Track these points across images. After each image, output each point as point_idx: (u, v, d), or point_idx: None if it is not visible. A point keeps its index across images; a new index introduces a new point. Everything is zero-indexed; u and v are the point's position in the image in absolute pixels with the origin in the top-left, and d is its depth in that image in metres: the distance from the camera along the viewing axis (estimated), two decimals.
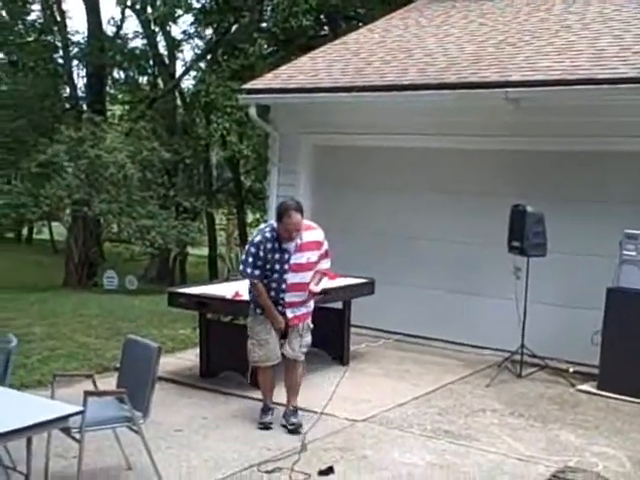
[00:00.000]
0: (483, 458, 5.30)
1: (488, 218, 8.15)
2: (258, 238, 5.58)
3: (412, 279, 8.70)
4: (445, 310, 8.50)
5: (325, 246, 5.80)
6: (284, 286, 5.57)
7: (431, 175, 8.73)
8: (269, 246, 5.51)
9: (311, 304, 5.81)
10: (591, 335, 6.97)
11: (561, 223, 7.55)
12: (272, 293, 5.60)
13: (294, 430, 5.61)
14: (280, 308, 5.62)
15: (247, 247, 5.65)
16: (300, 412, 5.87)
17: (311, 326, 5.84)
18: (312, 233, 5.69)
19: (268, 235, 5.55)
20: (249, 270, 5.56)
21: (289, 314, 5.64)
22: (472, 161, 8.42)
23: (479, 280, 8.31)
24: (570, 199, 7.82)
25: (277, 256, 5.53)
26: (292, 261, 5.55)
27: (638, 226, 6.94)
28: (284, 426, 5.71)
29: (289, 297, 5.61)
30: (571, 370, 7.47)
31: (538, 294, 7.42)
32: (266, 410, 5.85)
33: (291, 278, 5.56)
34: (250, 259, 5.55)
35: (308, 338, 5.83)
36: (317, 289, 5.77)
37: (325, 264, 5.84)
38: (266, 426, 5.73)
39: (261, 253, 5.51)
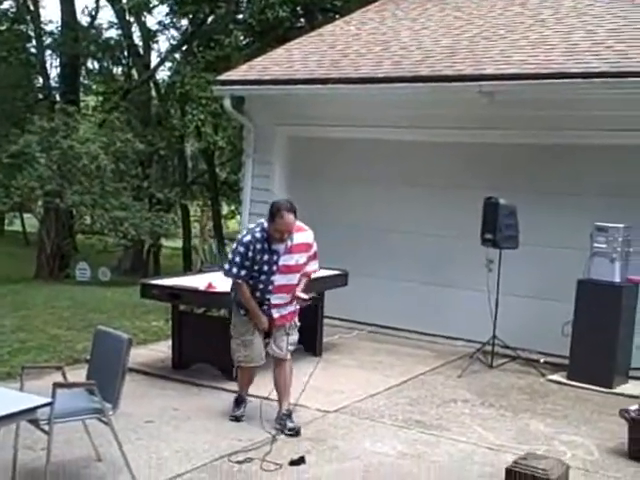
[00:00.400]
0: (454, 448, 5.34)
1: (461, 211, 8.19)
2: (248, 238, 5.38)
3: (385, 271, 8.73)
4: (418, 302, 8.54)
5: (314, 248, 5.65)
6: (271, 287, 5.44)
7: (405, 168, 8.75)
8: (258, 246, 5.35)
9: (297, 304, 5.68)
10: (562, 326, 7.04)
11: (534, 216, 7.61)
12: (257, 294, 5.46)
13: (294, 435, 5.43)
14: (265, 308, 5.49)
15: (235, 246, 5.44)
16: (274, 403, 5.77)
17: (298, 324, 5.74)
18: (303, 235, 5.53)
19: (258, 235, 5.37)
20: (235, 270, 5.37)
21: (275, 314, 5.51)
22: (446, 154, 8.45)
23: (452, 272, 8.35)
24: (543, 192, 7.88)
25: (266, 257, 5.37)
26: (281, 262, 5.41)
27: (609, 219, 7.01)
28: (280, 430, 5.44)
29: (275, 299, 5.48)
30: (542, 361, 7.54)
31: (510, 286, 7.47)
32: (239, 402, 5.81)
33: (278, 279, 5.43)
34: (237, 259, 5.37)
35: (295, 336, 5.72)
36: (307, 297, 5.66)
37: (313, 265, 5.70)
38: (237, 418, 5.69)
39: (250, 253, 5.33)
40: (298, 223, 5.50)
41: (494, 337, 7.36)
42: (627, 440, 5.31)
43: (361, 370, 7.26)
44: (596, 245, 7.02)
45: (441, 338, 8.33)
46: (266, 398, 5.81)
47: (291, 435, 5.41)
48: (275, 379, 5.69)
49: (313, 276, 7.33)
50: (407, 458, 5.12)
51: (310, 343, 7.62)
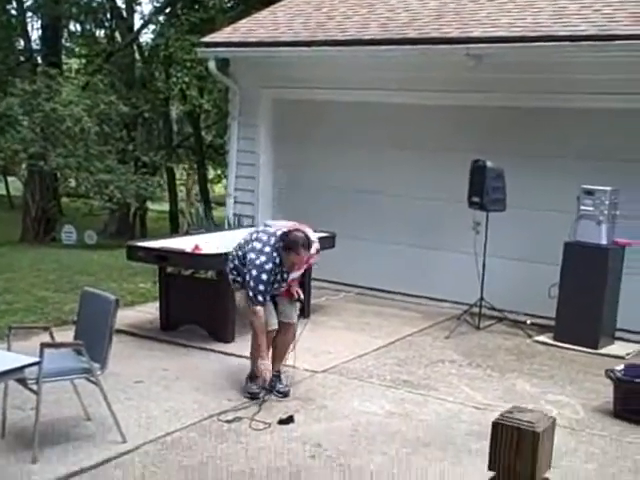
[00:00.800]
0: (441, 407, 5.39)
1: (448, 173, 8.18)
2: (270, 266, 5.21)
3: (373, 233, 8.73)
4: (406, 264, 8.57)
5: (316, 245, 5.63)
6: (277, 293, 5.48)
7: (392, 130, 8.71)
8: (277, 270, 5.30)
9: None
10: (548, 288, 7.08)
11: (520, 178, 7.61)
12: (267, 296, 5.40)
13: (282, 396, 5.45)
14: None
15: (256, 274, 5.17)
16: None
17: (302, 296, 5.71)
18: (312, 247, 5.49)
19: (277, 261, 5.25)
20: (261, 298, 5.19)
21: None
22: (433, 117, 8.41)
23: (439, 235, 8.37)
24: (530, 155, 7.87)
25: (278, 277, 5.34)
26: (290, 278, 5.45)
27: (595, 182, 7.02)
28: (268, 391, 5.39)
29: (279, 299, 5.53)
30: (528, 322, 7.61)
31: (497, 248, 7.50)
32: (254, 378, 5.49)
33: (284, 287, 5.48)
34: (261, 287, 5.18)
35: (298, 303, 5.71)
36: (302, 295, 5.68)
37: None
38: (254, 396, 5.39)
39: (271, 279, 5.25)
40: (308, 230, 5.48)
41: (481, 299, 7.40)
42: (612, 399, 5.38)
43: (349, 331, 7.30)
44: (583, 208, 7.05)
45: (428, 300, 8.37)
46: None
47: (280, 396, 5.43)
48: (277, 342, 5.55)
49: None
50: (395, 417, 5.17)
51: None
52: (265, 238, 5.31)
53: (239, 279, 5.47)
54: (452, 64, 7.90)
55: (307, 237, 5.29)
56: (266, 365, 5.20)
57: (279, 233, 5.31)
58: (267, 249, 5.24)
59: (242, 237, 5.61)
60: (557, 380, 6.08)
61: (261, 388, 5.42)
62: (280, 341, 5.57)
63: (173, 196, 21.20)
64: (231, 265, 5.52)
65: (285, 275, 5.39)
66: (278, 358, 5.62)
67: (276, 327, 5.45)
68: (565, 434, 4.86)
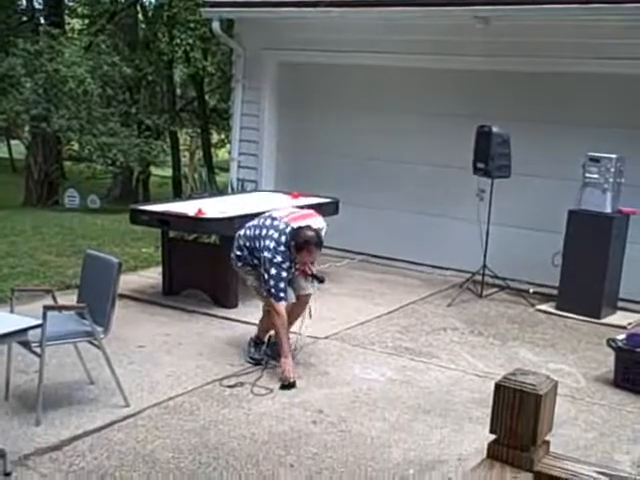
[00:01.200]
0: (442, 374, 5.41)
1: (453, 139, 8.11)
2: (287, 264, 5.19)
3: (377, 200, 8.69)
4: (409, 231, 8.54)
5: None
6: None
7: (397, 95, 8.62)
8: (292, 265, 5.28)
9: None
10: (552, 257, 7.06)
11: (526, 145, 7.53)
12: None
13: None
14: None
15: (275, 271, 5.12)
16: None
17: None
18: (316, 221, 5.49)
19: (292, 258, 5.23)
20: (283, 295, 5.17)
21: None
22: (439, 81, 8.33)
23: (443, 202, 8.33)
24: (536, 121, 7.79)
25: (292, 270, 5.31)
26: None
27: (601, 149, 6.96)
28: (271, 357, 5.41)
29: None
30: (531, 291, 7.60)
31: (501, 216, 7.46)
32: (261, 343, 5.53)
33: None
34: (282, 284, 5.16)
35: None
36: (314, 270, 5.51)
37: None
38: (258, 362, 5.39)
39: (289, 275, 5.26)
40: (308, 212, 5.56)
41: (484, 267, 7.38)
42: (613, 369, 5.39)
43: (351, 298, 7.30)
44: (588, 175, 6.99)
45: (431, 268, 8.36)
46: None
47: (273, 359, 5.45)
48: (291, 311, 5.44)
49: (304, 203, 7.37)
50: (396, 384, 5.18)
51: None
52: (276, 236, 5.22)
53: (249, 267, 5.40)
54: (459, 27, 7.79)
55: (317, 234, 5.24)
56: (289, 364, 5.11)
57: (289, 230, 5.23)
58: (282, 248, 5.17)
59: (247, 227, 5.46)
60: (559, 349, 6.09)
61: (264, 355, 5.44)
62: (292, 311, 5.46)
63: (176, 161, 21.11)
64: (238, 253, 5.42)
65: (297, 266, 5.34)
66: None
67: (293, 301, 5.43)
68: (566, 402, 4.87)
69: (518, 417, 1.83)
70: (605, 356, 5.68)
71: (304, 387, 5.03)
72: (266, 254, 5.17)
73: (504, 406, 1.85)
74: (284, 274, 5.16)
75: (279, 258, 5.15)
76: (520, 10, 7.32)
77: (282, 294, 5.15)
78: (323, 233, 5.44)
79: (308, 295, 5.53)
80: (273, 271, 5.13)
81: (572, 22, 7.23)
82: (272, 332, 5.47)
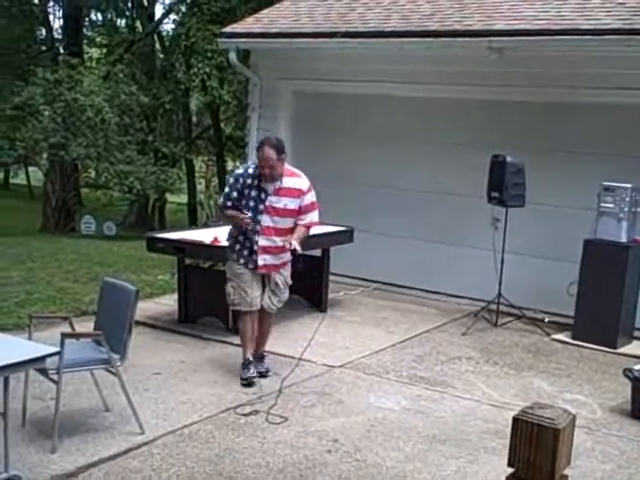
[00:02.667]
0: (457, 404, 5.39)
1: (468, 168, 8.13)
2: (239, 171, 5.64)
3: (391, 228, 8.71)
4: (424, 259, 8.55)
5: (310, 197, 5.62)
6: (258, 228, 5.47)
7: (412, 124, 8.67)
8: (249, 181, 5.47)
9: (286, 257, 5.63)
10: (567, 286, 7.04)
11: (540, 174, 7.56)
12: (247, 235, 5.53)
13: (262, 376, 5.66)
14: (253, 256, 5.53)
15: (227, 178, 5.69)
16: (280, 358, 6.00)
17: (289, 282, 5.75)
18: (294, 180, 5.54)
19: (250, 171, 5.50)
20: (222, 200, 5.66)
21: (260, 261, 5.53)
22: (453, 111, 8.37)
23: (458, 230, 8.34)
24: (550, 150, 7.82)
25: (254, 193, 5.46)
26: (268, 203, 5.45)
27: (616, 179, 6.97)
28: (262, 375, 5.68)
29: (262, 240, 5.49)
30: (546, 320, 7.57)
31: (516, 245, 7.47)
32: (247, 364, 5.67)
33: (265, 220, 5.47)
34: (227, 189, 5.62)
35: (285, 294, 5.76)
36: (297, 247, 5.46)
37: (312, 217, 5.66)
38: (249, 382, 5.53)
39: (238, 185, 5.48)
40: (292, 169, 5.61)
41: (499, 296, 7.37)
42: (630, 399, 5.35)
43: (366, 326, 7.30)
44: (603, 205, 6.99)
45: (446, 296, 8.35)
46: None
47: (261, 376, 5.62)
48: (259, 325, 5.78)
49: (319, 231, 7.41)
50: (411, 413, 5.17)
51: (315, 299, 7.68)
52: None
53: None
54: (473, 57, 7.86)
55: (278, 139, 5.55)
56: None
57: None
58: (239, 171, 5.70)
59: None
60: (574, 379, 6.06)
61: (254, 374, 5.60)
62: (260, 328, 5.77)
63: (192, 188, 21.27)
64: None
65: (262, 195, 5.45)
66: (259, 343, 5.84)
67: (254, 308, 5.62)
68: (582, 434, 4.84)
69: (536, 451, 1.83)
70: (622, 386, 5.64)
71: (319, 416, 5.03)
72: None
73: (522, 440, 1.86)
74: (231, 180, 5.62)
75: (238, 168, 5.70)
76: (534, 41, 7.37)
77: (222, 199, 5.67)
78: (304, 187, 5.57)
79: (270, 314, 5.74)
80: (226, 189, 5.64)
81: (586, 53, 7.27)
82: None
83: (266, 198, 5.45)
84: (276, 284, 5.66)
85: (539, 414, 1.90)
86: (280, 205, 5.47)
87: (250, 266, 5.55)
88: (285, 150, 5.52)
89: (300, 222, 5.59)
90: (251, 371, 5.63)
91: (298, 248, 5.43)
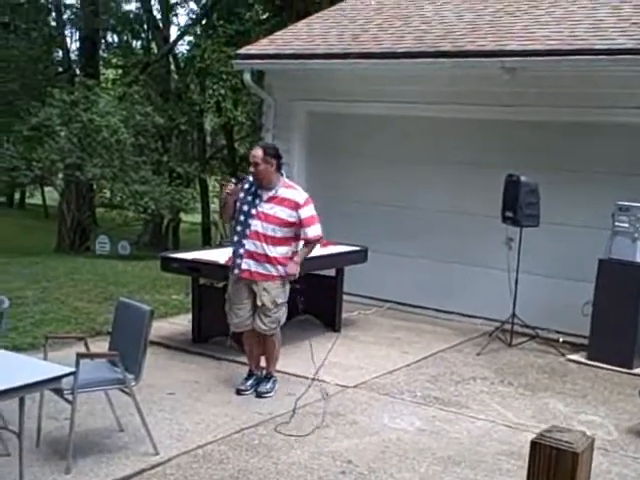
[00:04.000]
0: (472, 425, 5.36)
1: (482, 188, 8.14)
2: (243, 178, 5.89)
3: (405, 248, 8.71)
4: (437, 279, 8.53)
5: (308, 210, 5.63)
6: (247, 231, 5.57)
7: (425, 144, 8.69)
8: (246, 186, 5.69)
9: (273, 271, 5.58)
10: (582, 306, 7.01)
11: (554, 194, 7.54)
12: (237, 238, 5.66)
13: (258, 396, 5.70)
14: (238, 260, 5.60)
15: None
16: (293, 378, 6.01)
17: (279, 302, 5.65)
18: (290, 191, 5.65)
19: (251, 178, 5.70)
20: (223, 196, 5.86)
21: (243, 266, 5.58)
22: (467, 131, 8.39)
23: (472, 250, 8.32)
24: (564, 170, 7.80)
25: (249, 198, 5.63)
26: (260, 209, 5.55)
27: (631, 198, 6.95)
28: (246, 389, 5.80)
29: (249, 244, 5.56)
30: (561, 340, 7.53)
31: (530, 264, 7.45)
32: (248, 377, 5.87)
33: (255, 225, 5.55)
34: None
35: (277, 314, 5.68)
36: (294, 272, 5.61)
37: (314, 231, 5.65)
38: (238, 392, 5.72)
39: (239, 185, 5.73)
40: (290, 182, 5.81)
41: (513, 315, 7.34)
42: None
43: (380, 346, 7.28)
44: (618, 224, 6.96)
45: (460, 316, 8.33)
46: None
47: (257, 396, 5.70)
48: (260, 347, 5.90)
49: (333, 251, 7.43)
50: (426, 434, 5.14)
51: (329, 319, 7.68)
52: None
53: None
54: (486, 77, 7.88)
55: (273, 146, 5.86)
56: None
57: None
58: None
59: None
60: (590, 400, 6.01)
61: (249, 387, 5.76)
62: (261, 348, 5.90)
63: (206, 208, 21.36)
64: None
65: (257, 200, 5.58)
66: (265, 362, 5.91)
67: (241, 330, 5.79)
68: (598, 455, 4.75)
69: (555, 475, 1.82)
70: (637, 407, 5.60)
71: (333, 437, 5.02)
72: None
73: (540, 464, 1.84)
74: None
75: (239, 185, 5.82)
76: (547, 62, 7.39)
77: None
78: (300, 200, 5.61)
79: (266, 336, 5.77)
80: None
81: (599, 73, 7.28)
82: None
83: (259, 204, 5.57)
84: (264, 304, 5.60)
85: (557, 438, 1.89)
86: (271, 212, 5.56)
87: (236, 272, 5.64)
88: (278, 158, 5.66)
89: (304, 237, 5.69)
90: (247, 383, 5.80)
91: (294, 272, 5.62)
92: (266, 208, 5.55)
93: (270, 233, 5.55)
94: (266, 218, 5.55)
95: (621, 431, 5.36)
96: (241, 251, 5.60)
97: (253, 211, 5.58)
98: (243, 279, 5.63)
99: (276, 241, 5.57)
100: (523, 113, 7.92)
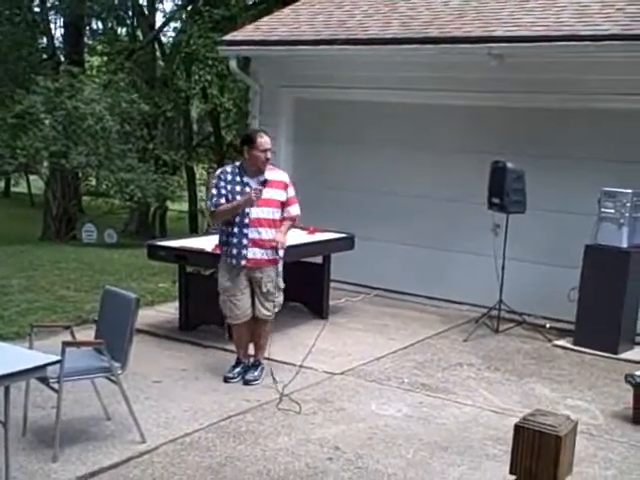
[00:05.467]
0: (459, 410, 5.38)
1: (468, 174, 8.15)
2: (218, 172, 5.82)
3: (392, 235, 8.71)
4: (424, 266, 8.55)
5: (292, 190, 5.77)
6: (247, 220, 5.53)
7: (412, 131, 8.68)
8: (229, 177, 5.61)
9: (276, 254, 5.61)
10: (568, 291, 7.04)
11: (541, 180, 7.57)
12: (235, 229, 5.56)
13: (245, 383, 5.70)
14: (243, 250, 5.56)
15: (214, 191, 5.68)
16: (281, 365, 6.00)
17: (281, 286, 5.72)
18: (276, 173, 5.73)
19: (229, 169, 5.70)
20: (214, 200, 5.61)
21: (249, 254, 5.56)
22: (453, 117, 8.38)
23: (458, 236, 8.33)
24: (550, 156, 7.82)
25: (238, 188, 5.57)
26: (255, 186, 5.53)
27: (617, 184, 6.97)
28: (234, 376, 5.78)
29: (252, 232, 5.54)
30: (548, 326, 7.57)
31: (516, 251, 7.46)
32: (235, 364, 5.88)
33: (255, 213, 5.53)
34: (214, 191, 5.65)
35: (280, 299, 5.75)
36: (284, 240, 5.63)
37: (294, 210, 5.77)
38: (226, 379, 5.73)
39: (222, 183, 5.60)
40: (269, 165, 5.74)
41: (500, 302, 7.37)
42: (632, 405, 5.34)
43: (367, 333, 7.29)
44: (604, 210, 6.99)
45: (447, 302, 8.35)
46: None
47: (245, 384, 5.68)
48: (253, 333, 5.87)
49: (320, 238, 7.43)
50: (413, 420, 5.16)
51: (316, 306, 7.68)
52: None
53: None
54: (473, 64, 7.86)
55: (263, 131, 5.78)
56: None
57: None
58: (219, 173, 5.77)
59: None
60: (576, 385, 6.05)
61: (236, 374, 5.76)
62: (255, 335, 5.87)
63: (193, 196, 21.29)
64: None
65: (247, 188, 5.53)
66: (256, 349, 5.90)
67: (242, 320, 5.72)
68: (583, 440, 4.82)
69: (538, 459, 1.82)
70: (623, 392, 5.63)
71: (320, 423, 5.03)
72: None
73: (524, 448, 1.85)
74: (214, 181, 5.72)
75: (214, 181, 5.73)
76: (533, 48, 7.39)
77: (213, 200, 5.62)
78: (287, 179, 5.75)
79: (264, 321, 5.76)
80: (214, 191, 5.66)
81: (586, 59, 7.29)
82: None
83: (260, 193, 5.50)
84: (268, 290, 5.65)
85: (541, 421, 1.89)
86: (268, 196, 5.57)
87: (243, 262, 5.57)
88: None
89: (287, 215, 5.74)
90: (234, 371, 5.80)
91: (283, 241, 5.63)
92: (263, 193, 5.53)
93: (268, 216, 5.59)
94: (265, 203, 5.55)
95: (607, 415, 5.40)
96: (244, 241, 5.55)
97: (247, 188, 5.54)
98: (247, 268, 5.61)
99: (277, 223, 5.64)
100: (510, 99, 7.92)
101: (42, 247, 12.87)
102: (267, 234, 5.58)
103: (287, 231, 5.79)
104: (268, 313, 5.74)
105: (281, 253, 5.65)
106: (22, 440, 4.52)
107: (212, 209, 5.66)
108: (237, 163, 5.73)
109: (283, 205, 5.69)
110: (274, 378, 5.59)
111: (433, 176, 8.54)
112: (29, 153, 13.55)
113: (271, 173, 5.67)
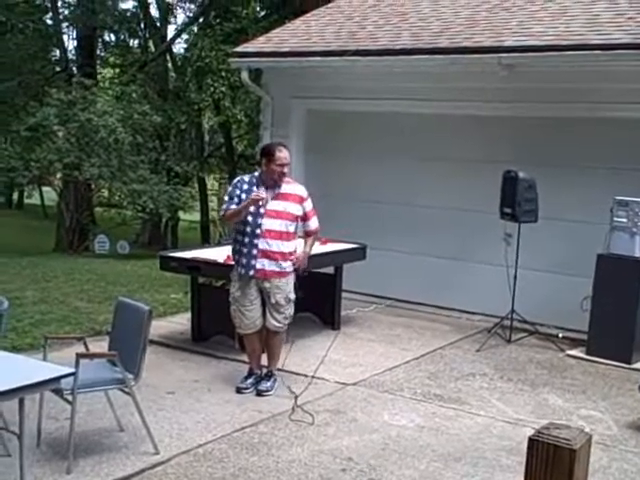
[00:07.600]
0: (472, 421, 5.37)
1: (479, 184, 8.14)
2: (236, 179, 5.87)
3: (404, 245, 8.71)
4: (436, 276, 8.54)
5: (310, 203, 5.81)
6: (258, 231, 5.55)
7: (423, 141, 8.69)
8: (245, 187, 5.65)
9: (287, 268, 5.67)
10: (581, 301, 7.02)
11: (553, 189, 7.55)
12: (247, 239, 5.59)
13: (258, 394, 5.70)
14: (252, 261, 5.57)
15: (226, 197, 5.81)
16: (293, 376, 6.00)
17: (292, 298, 5.74)
18: (293, 186, 5.76)
19: (246, 178, 5.75)
20: (224, 206, 5.72)
21: (257, 265, 5.58)
22: (464, 127, 8.39)
23: (470, 246, 8.32)
24: (562, 165, 7.80)
25: (246, 195, 5.60)
26: (269, 207, 5.56)
27: (629, 193, 6.95)
28: (247, 387, 5.78)
29: (262, 243, 5.56)
30: (560, 335, 7.54)
31: (529, 260, 7.45)
32: (248, 375, 5.88)
33: (267, 224, 5.55)
34: (226, 198, 5.79)
35: (289, 310, 5.76)
36: (303, 259, 5.74)
37: (313, 223, 5.85)
38: (238, 390, 5.73)
39: (237, 191, 5.65)
40: (287, 178, 5.76)
41: (512, 311, 7.34)
42: None
43: (379, 344, 7.28)
44: (616, 219, 6.97)
45: (459, 312, 8.33)
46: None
47: (258, 395, 5.68)
48: (265, 343, 5.90)
49: (332, 249, 7.44)
50: (425, 431, 5.15)
51: (328, 316, 7.68)
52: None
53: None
54: (484, 74, 7.87)
55: (283, 144, 5.78)
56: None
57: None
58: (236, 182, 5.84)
59: None
60: (589, 395, 6.02)
61: (249, 385, 5.76)
62: (266, 345, 5.90)
63: (204, 206, 21.35)
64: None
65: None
66: (269, 359, 5.91)
67: (252, 331, 5.76)
68: (597, 450, 4.80)
69: (552, 472, 1.82)
70: (637, 402, 5.61)
71: (333, 434, 5.02)
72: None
73: (538, 461, 1.84)
74: (229, 189, 5.85)
75: (230, 188, 5.84)
76: (544, 57, 7.39)
77: (224, 206, 5.74)
78: (304, 194, 5.78)
79: (276, 332, 5.77)
80: (226, 197, 5.79)
81: (597, 68, 7.27)
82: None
83: (266, 203, 5.55)
84: (277, 302, 5.67)
85: (555, 435, 1.88)
86: (281, 208, 5.61)
87: (251, 273, 5.59)
88: None
89: (307, 229, 5.84)
90: (247, 382, 5.80)
91: (303, 259, 5.73)
92: (275, 205, 5.57)
93: (284, 229, 5.61)
94: (278, 215, 5.58)
95: (621, 426, 5.37)
96: (254, 251, 5.57)
97: (262, 210, 5.55)
98: (256, 278, 5.63)
99: (290, 237, 5.66)
100: (521, 109, 7.91)
101: (55, 258, 12.94)
102: (277, 246, 5.59)
103: (311, 248, 5.88)
104: (278, 324, 5.74)
105: (292, 266, 5.69)
106: (36, 452, 4.54)
107: (222, 213, 5.80)
108: (256, 173, 5.77)
109: (300, 219, 5.72)
110: (290, 389, 5.60)
111: (445, 186, 8.54)
112: (42, 165, 13.66)
113: (288, 186, 5.70)
